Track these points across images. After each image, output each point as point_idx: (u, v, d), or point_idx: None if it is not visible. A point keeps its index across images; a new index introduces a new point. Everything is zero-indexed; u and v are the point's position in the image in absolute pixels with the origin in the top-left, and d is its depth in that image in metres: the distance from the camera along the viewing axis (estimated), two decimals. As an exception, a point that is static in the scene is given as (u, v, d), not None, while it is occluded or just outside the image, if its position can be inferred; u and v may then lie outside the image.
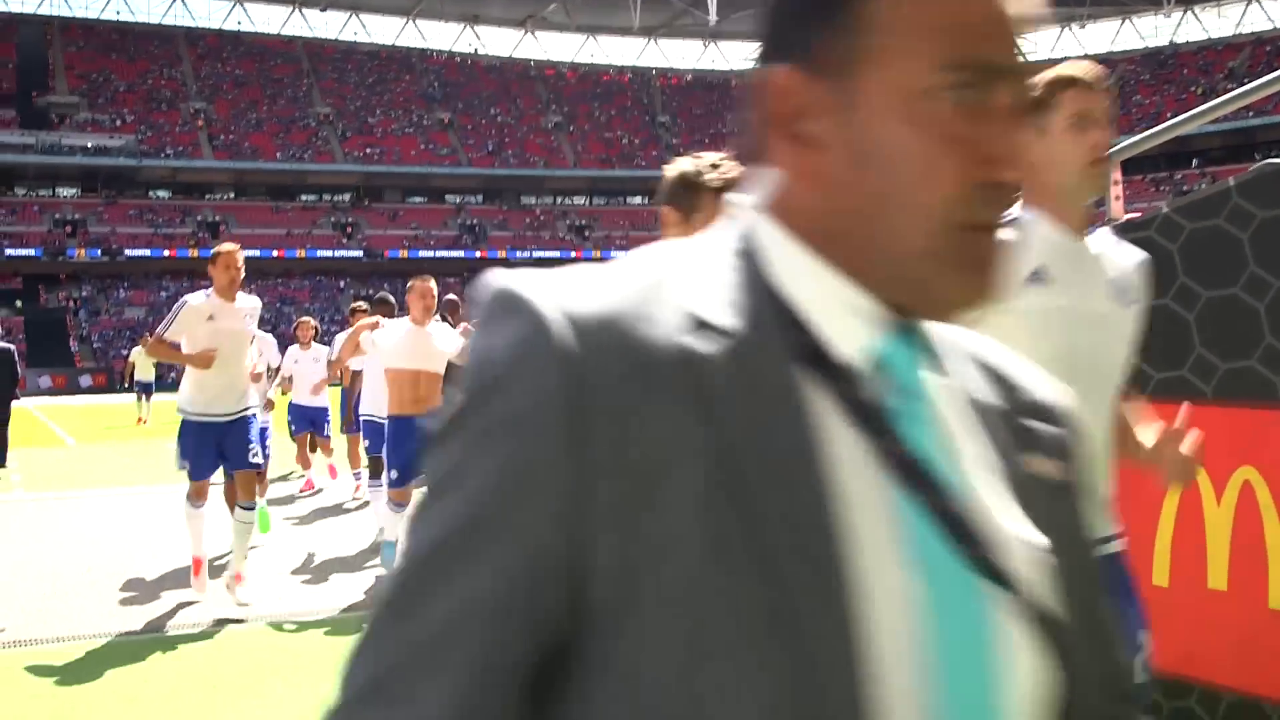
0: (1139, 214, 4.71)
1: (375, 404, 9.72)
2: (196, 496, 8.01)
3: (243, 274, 7.89)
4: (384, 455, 8.60)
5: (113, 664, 6.29)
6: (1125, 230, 4.57)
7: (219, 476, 8.11)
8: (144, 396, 28.00)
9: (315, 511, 12.34)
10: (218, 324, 7.67)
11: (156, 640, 6.90)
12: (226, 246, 8.03)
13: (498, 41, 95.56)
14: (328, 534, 10.77)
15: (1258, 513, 4.11)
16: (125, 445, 21.54)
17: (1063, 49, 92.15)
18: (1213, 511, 4.25)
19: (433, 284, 8.40)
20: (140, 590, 8.40)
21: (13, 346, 18.86)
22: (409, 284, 8.43)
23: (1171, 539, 4.38)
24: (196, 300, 7.82)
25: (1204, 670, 4.31)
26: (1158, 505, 4.43)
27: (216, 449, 7.82)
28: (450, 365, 8.38)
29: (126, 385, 33.10)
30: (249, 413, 7.96)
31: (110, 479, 15.54)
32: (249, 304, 8.10)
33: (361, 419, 10.53)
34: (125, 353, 61.64)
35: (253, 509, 8.03)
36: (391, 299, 10.72)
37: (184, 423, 7.85)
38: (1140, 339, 4.49)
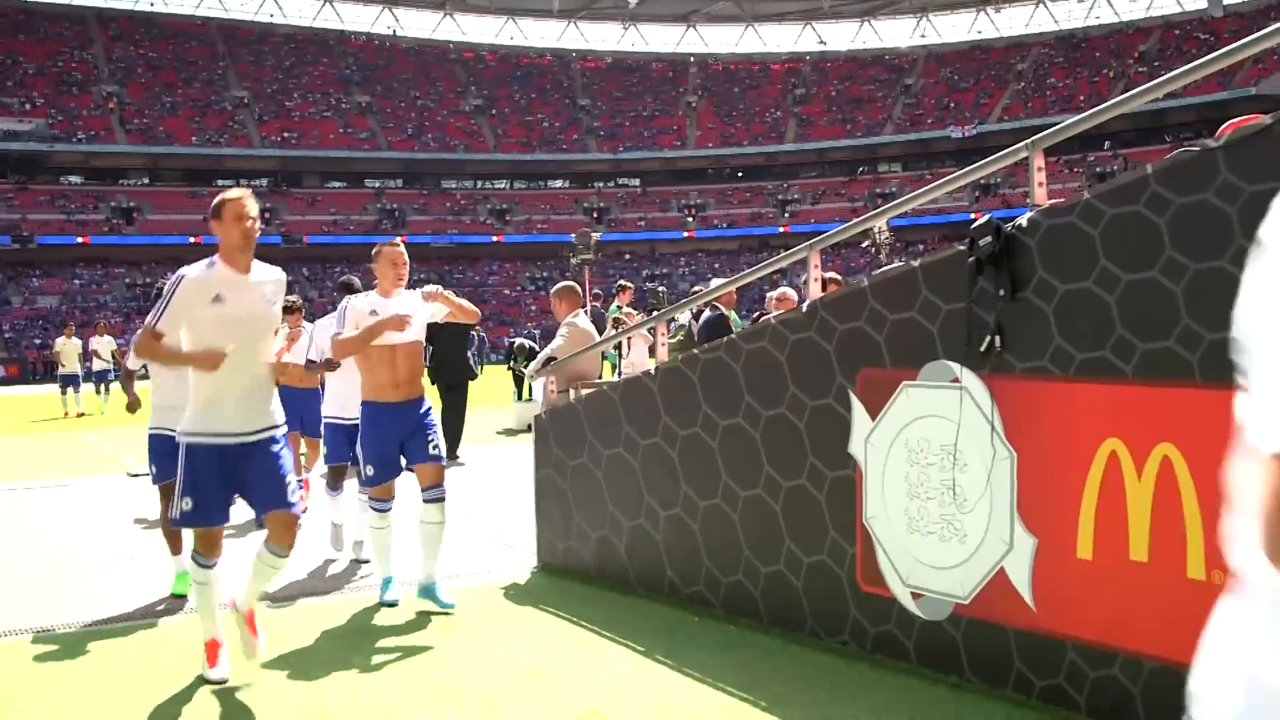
0: (1059, 199, 4.86)
1: (340, 404, 8.93)
2: (206, 551, 5.79)
3: (258, 232, 5.83)
4: (358, 450, 7.43)
5: (43, 659, 6.26)
6: (1048, 215, 4.72)
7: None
8: (69, 389, 26.78)
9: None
10: (227, 306, 5.59)
11: (91, 634, 6.88)
12: (234, 193, 5.85)
13: (417, 23, 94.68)
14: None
15: (1176, 487, 4.28)
16: (50, 438, 21.19)
17: (978, 31, 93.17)
18: (1134, 486, 4.42)
19: (402, 248, 7.32)
20: (71, 583, 8.33)
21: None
22: (375, 250, 7.37)
23: (1095, 512, 4.55)
24: (196, 272, 5.65)
25: (1127, 639, 4.48)
26: (1081, 480, 4.59)
27: (232, 482, 5.70)
28: (433, 326, 7.70)
29: (49, 377, 32.13)
30: (277, 431, 5.82)
31: (35, 472, 15.32)
32: (270, 276, 5.91)
33: (325, 422, 9.29)
34: (39, 342, 60.63)
35: (286, 556, 5.75)
36: (356, 281, 10.28)
37: (185, 447, 5.66)
38: (1066, 320, 4.65)
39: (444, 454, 7.33)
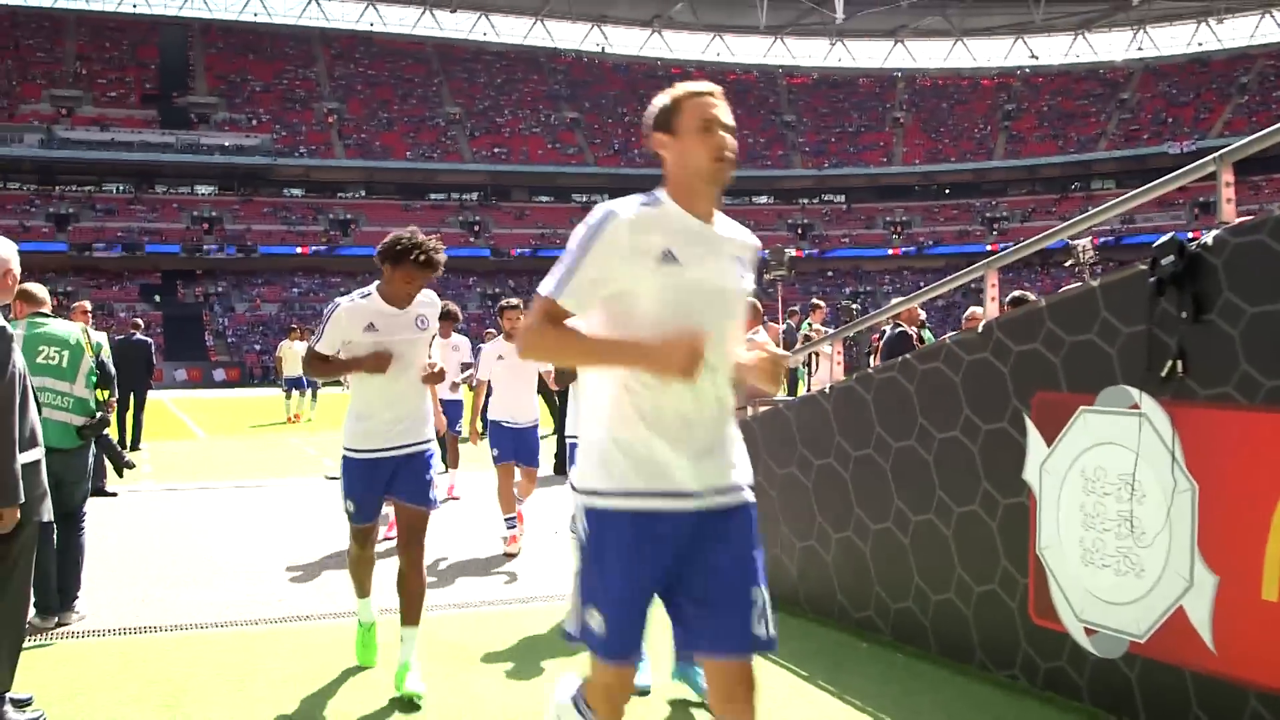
0: (1252, 216, 4.58)
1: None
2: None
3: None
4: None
5: (224, 654, 6.45)
6: (1234, 233, 4.46)
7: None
8: (295, 391, 26.66)
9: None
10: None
11: (270, 631, 7.07)
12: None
13: (624, 40, 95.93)
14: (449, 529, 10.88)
15: (1370, 526, 3.98)
16: (255, 439, 22.04)
17: (1198, 43, 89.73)
18: (1324, 524, 4.13)
19: None
20: (257, 582, 8.59)
21: (150, 339, 19.64)
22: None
23: (1281, 552, 4.26)
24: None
25: (1312, 687, 4.19)
26: (1267, 516, 4.31)
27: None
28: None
29: (266, 381, 32.57)
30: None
31: (238, 472, 15.92)
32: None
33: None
34: (259, 347, 63.26)
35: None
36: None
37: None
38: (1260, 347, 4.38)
39: None
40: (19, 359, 5.13)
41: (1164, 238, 4.73)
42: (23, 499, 4.97)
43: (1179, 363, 4.62)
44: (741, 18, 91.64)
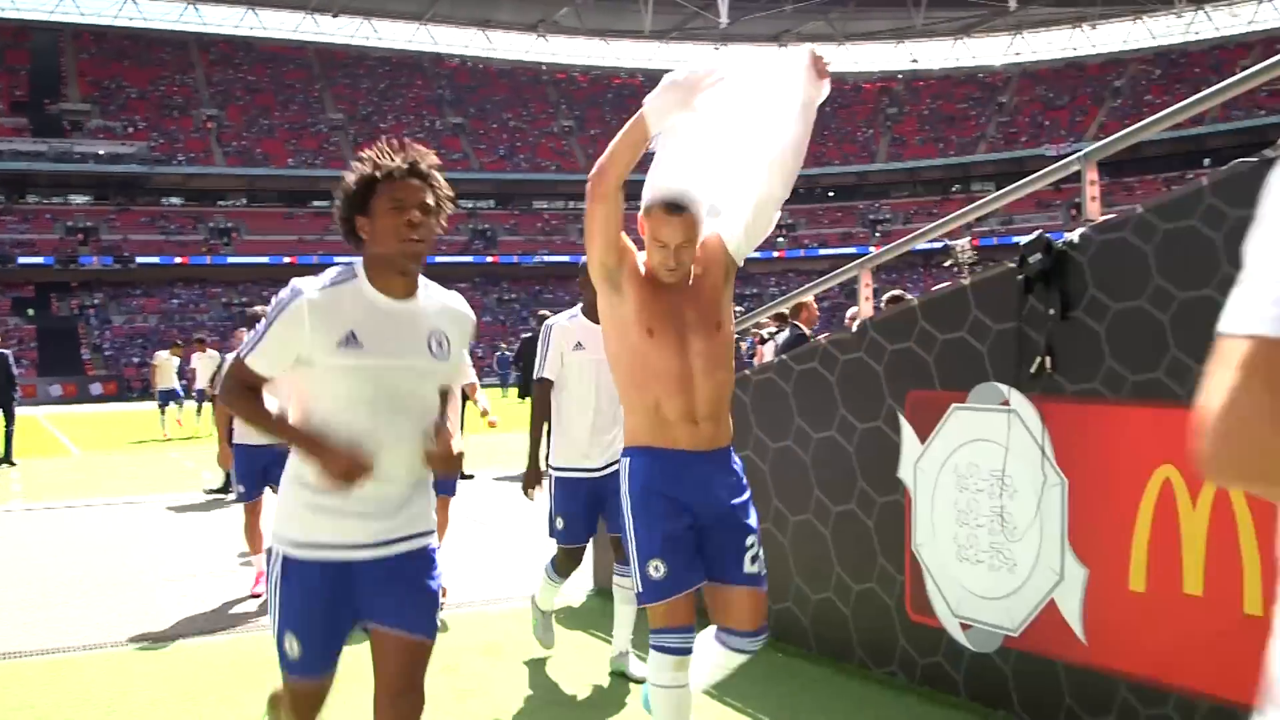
0: (1115, 214, 4.65)
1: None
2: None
3: None
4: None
5: (92, 678, 6.25)
6: (1100, 230, 4.52)
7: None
8: (170, 405, 25.32)
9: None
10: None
11: (140, 652, 6.87)
12: None
13: (509, 45, 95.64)
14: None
15: (1233, 517, 4.05)
16: (133, 455, 21.50)
17: (1073, 48, 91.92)
18: (1188, 515, 4.20)
19: None
20: (128, 602, 8.35)
21: (9, 351, 19.02)
22: None
23: (1148, 543, 4.33)
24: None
25: (1181, 677, 4.26)
26: (1134, 509, 4.37)
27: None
28: None
29: (146, 395, 31.00)
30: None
31: (113, 489, 15.51)
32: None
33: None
34: (136, 360, 61.88)
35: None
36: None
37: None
38: (1110, 340, 4.44)
39: None
40: None
41: (1031, 236, 4.79)
42: None
43: (1047, 359, 4.67)
44: (626, 22, 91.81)
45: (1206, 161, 73.81)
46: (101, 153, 73.56)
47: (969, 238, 23.58)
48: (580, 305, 5.79)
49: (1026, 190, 5.26)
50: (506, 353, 41.26)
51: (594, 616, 7.33)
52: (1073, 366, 4.62)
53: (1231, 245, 4.07)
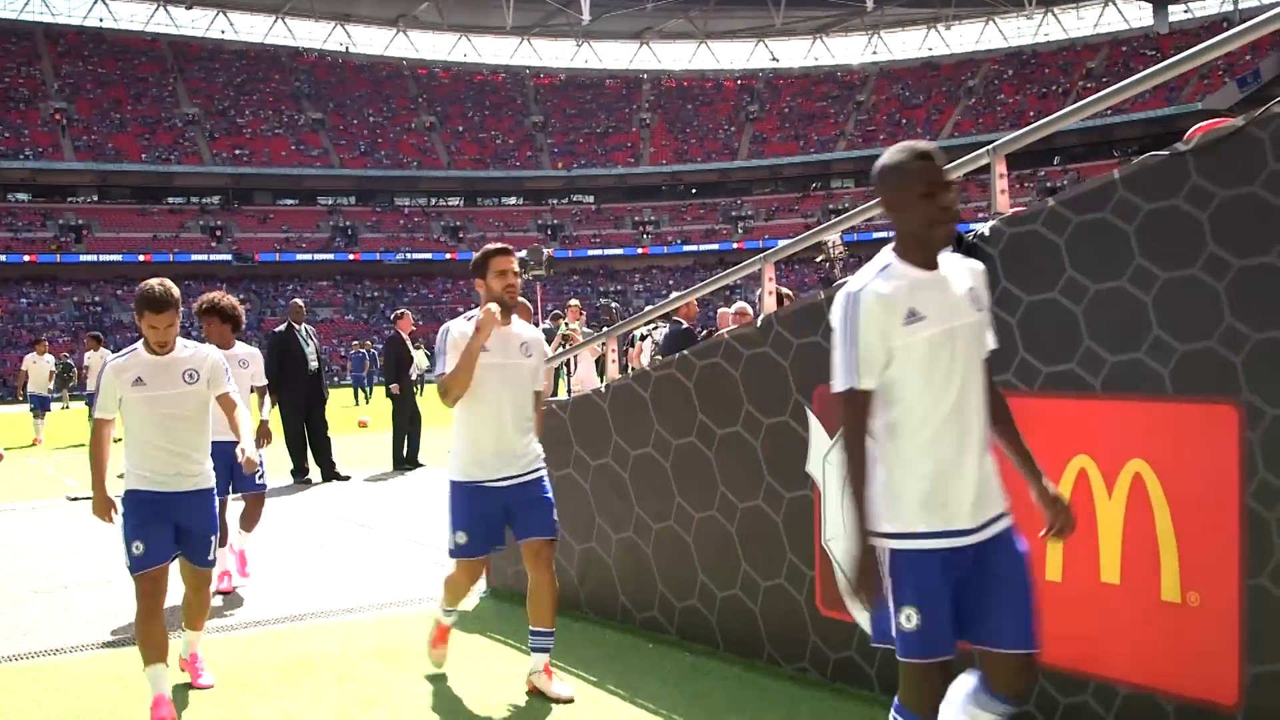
0: (1021, 208, 4.67)
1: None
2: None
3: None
4: None
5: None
6: (1010, 223, 4.54)
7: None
8: (40, 412, 24.31)
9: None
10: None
11: (13, 669, 6.57)
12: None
13: (369, 40, 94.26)
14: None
15: (1149, 505, 4.10)
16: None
17: (929, 48, 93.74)
18: (1104, 505, 4.23)
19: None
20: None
21: None
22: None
23: (1063, 534, 4.34)
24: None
25: (1099, 665, 4.29)
26: (1049, 500, 4.38)
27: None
28: None
29: (19, 398, 29.15)
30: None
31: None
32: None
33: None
34: (3, 363, 59.71)
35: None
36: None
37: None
38: (1026, 333, 4.47)
39: None
40: None
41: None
42: None
43: (959, 351, 4.67)
44: (487, 18, 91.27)
45: (1056, 159, 75.90)
46: (-58, 147, 70.81)
47: (839, 233, 23.86)
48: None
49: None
50: (363, 352, 40.83)
51: (490, 619, 7.19)
52: (985, 359, 4.63)
53: (1144, 237, 4.11)
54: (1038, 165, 75.32)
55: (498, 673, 6.01)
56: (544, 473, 5.67)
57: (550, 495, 5.63)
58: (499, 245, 5.62)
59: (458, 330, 5.50)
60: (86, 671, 6.37)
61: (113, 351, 20.41)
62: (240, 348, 8.46)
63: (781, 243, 6.25)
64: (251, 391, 8.43)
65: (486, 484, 5.53)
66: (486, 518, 5.56)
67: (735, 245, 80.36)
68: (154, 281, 5.54)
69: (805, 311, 5.48)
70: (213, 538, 5.73)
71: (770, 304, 5.87)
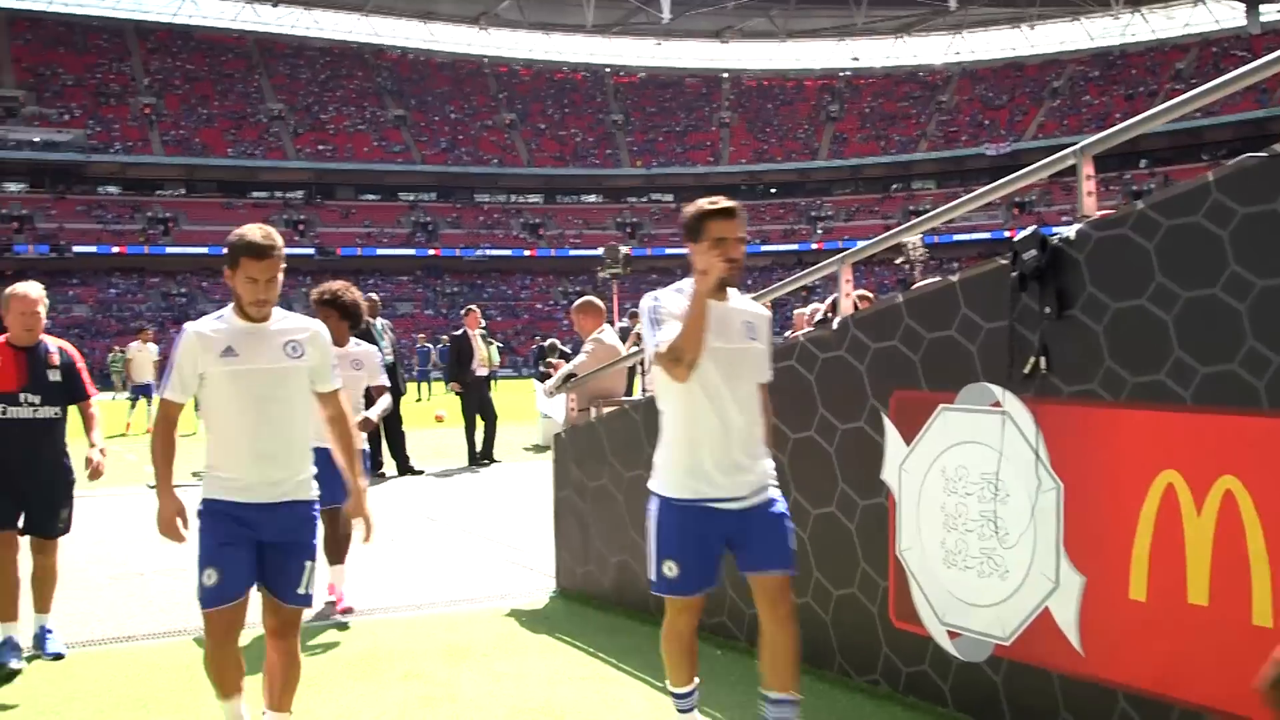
0: (1109, 210, 4.51)
1: None
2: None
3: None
4: None
5: (38, 682, 5.98)
6: (1097, 227, 4.38)
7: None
8: (138, 400, 23.88)
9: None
10: None
11: (86, 655, 6.60)
12: None
13: (452, 38, 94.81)
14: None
15: (1240, 524, 3.92)
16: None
17: (1012, 48, 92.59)
18: (1193, 522, 4.06)
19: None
20: (77, 602, 8.03)
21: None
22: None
23: (1149, 551, 4.18)
24: None
25: (1184, 690, 4.12)
26: (1134, 515, 4.23)
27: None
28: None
29: (124, 385, 28.88)
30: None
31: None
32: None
33: None
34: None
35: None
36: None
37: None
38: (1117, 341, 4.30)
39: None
40: None
41: (1026, 231, 4.64)
42: None
43: (1042, 359, 4.52)
44: (568, 16, 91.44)
45: (1143, 162, 74.64)
46: (37, 140, 72.30)
47: (920, 235, 23.56)
48: None
49: (1023, 183, 5.11)
50: (426, 346, 41.73)
51: (558, 619, 7.13)
52: (1069, 367, 4.47)
53: (1239, 243, 3.93)
54: (1124, 168, 74.09)
55: (564, 674, 5.94)
56: (777, 491, 4.59)
57: (788, 518, 4.57)
58: (720, 204, 4.39)
59: (669, 297, 4.46)
60: (158, 659, 6.40)
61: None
62: (354, 346, 7.52)
63: (860, 244, 6.10)
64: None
65: (707, 504, 4.43)
66: (704, 543, 4.49)
67: (814, 246, 79.93)
68: (254, 225, 4.72)
69: (882, 315, 5.35)
70: (309, 564, 4.61)
71: (847, 306, 5.74)
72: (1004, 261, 4.70)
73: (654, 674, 5.81)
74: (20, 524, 6.47)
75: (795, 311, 13.43)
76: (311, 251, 76.01)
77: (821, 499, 5.65)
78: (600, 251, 22.49)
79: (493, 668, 6.09)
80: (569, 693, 5.63)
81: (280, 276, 4.58)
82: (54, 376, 6.55)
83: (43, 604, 6.62)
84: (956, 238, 73.78)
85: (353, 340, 7.52)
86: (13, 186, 73.75)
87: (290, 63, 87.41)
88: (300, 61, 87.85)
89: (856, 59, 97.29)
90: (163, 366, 5.38)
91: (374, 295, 15.96)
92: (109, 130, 75.80)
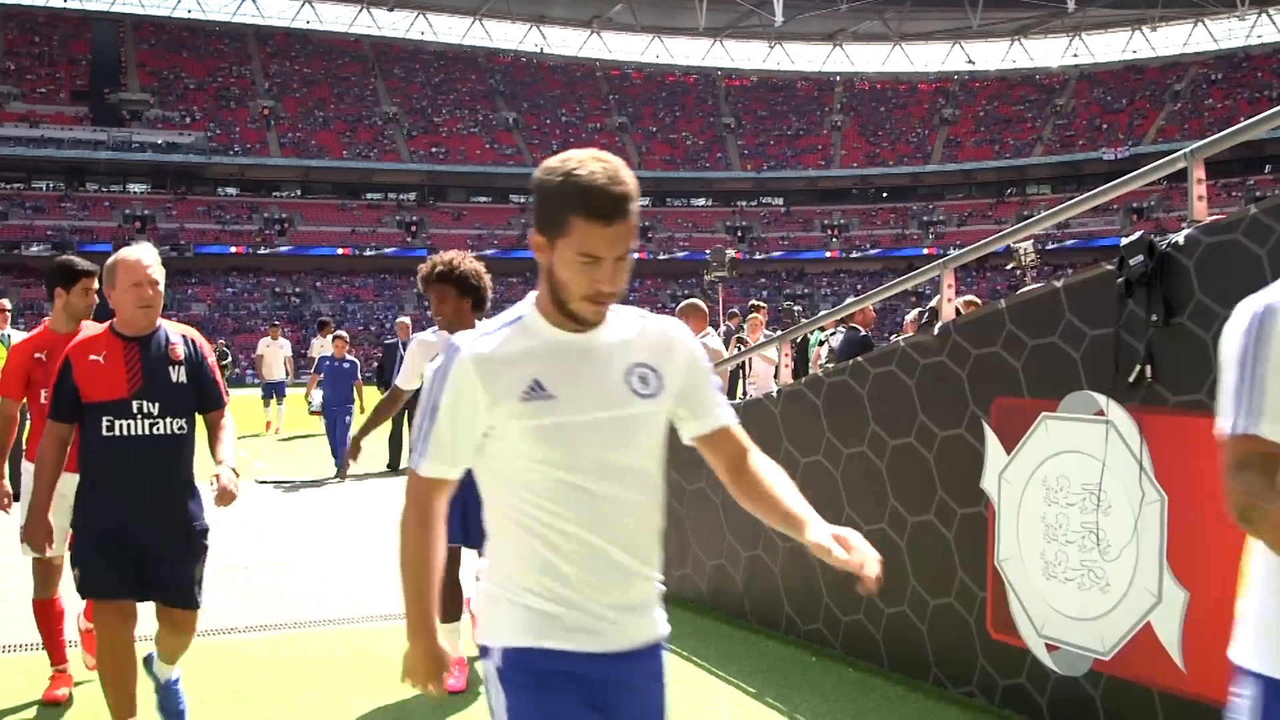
0: (1222, 216, 4.38)
1: None
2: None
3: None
4: None
5: (220, 662, 6.10)
6: (1207, 232, 4.26)
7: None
8: (271, 398, 22.95)
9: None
10: None
11: (267, 639, 6.72)
12: None
13: (563, 41, 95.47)
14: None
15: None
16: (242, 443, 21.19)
17: (1133, 50, 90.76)
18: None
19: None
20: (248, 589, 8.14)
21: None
22: None
23: (1256, 566, 4.04)
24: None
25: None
26: (1242, 530, 4.08)
27: None
28: None
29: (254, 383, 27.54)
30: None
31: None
32: None
33: None
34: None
35: None
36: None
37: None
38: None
39: None
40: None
41: (1133, 237, 4.53)
42: None
43: (1148, 368, 4.41)
44: (680, 20, 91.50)
45: (1268, 168, 72.75)
46: (159, 142, 74.21)
47: (1032, 239, 23.19)
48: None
49: (1130, 187, 4.98)
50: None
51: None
52: (1176, 376, 4.35)
53: (1356, 250, 3.80)
54: (1247, 173, 72.23)
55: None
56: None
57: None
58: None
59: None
60: (257, 652, 6.50)
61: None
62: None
63: (970, 248, 6.00)
64: None
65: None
66: None
67: (926, 251, 79.09)
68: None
69: (984, 321, 5.26)
70: None
71: (949, 312, 5.65)
72: (1110, 267, 4.59)
73: (747, 680, 5.78)
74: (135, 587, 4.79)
75: (907, 318, 13.25)
76: (424, 252, 76.94)
77: (919, 507, 5.56)
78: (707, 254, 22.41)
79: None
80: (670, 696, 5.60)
81: None
82: (178, 376, 4.80)
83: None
84: (1071, 244, 72.51)
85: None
86: (136, 188, 75.75)
87: (405, 66, 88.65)
88: (415, 65, 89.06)
89: (971, 61, 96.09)
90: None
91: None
92: (228, 133, 77.51)
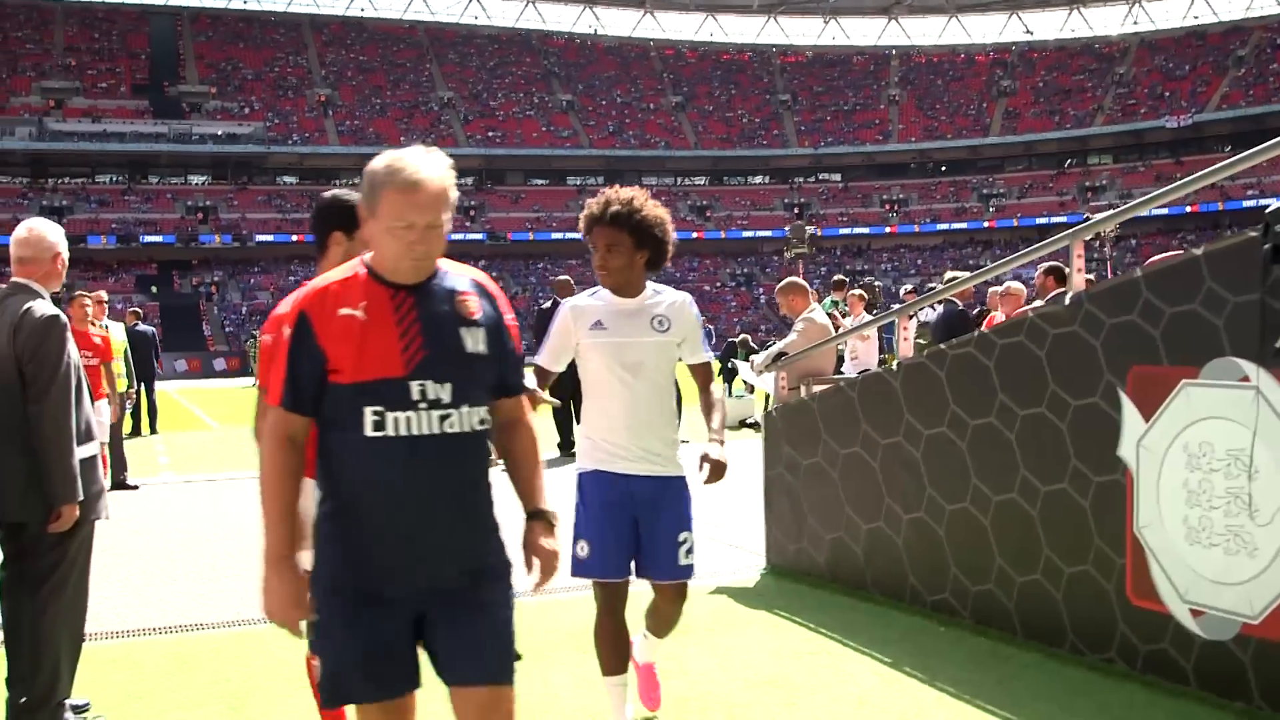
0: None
1: None
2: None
3: None
4: None
5: (281, 650, 6.23)
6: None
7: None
8: None
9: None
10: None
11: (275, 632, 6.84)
12: None
13: (617, 22, 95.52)
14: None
15: None
16: (235, 429, 21.68)
17: (1194, 16, 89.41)
18: None
19: None
20: (202, 585, 8.21)
21: (153, 329, 19.58)
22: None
23: None
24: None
25: None
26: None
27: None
28: None
29: None
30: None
31: (251, 463, 15.63)
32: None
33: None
34: (256, 335, 62.98)
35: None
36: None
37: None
38: None
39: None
40: (73, 349, 4.93)
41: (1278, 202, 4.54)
42: (82, 495, 4.79)
43: (1297, 333, 4.43)
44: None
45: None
46: (219, 133, 75.08)
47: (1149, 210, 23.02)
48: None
49: (1268, 155, 4.97)
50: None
51: (773, 596, 7.19)
52: (1326, 341, 4.37)
53: None
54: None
55: (789, 649, 5.99)
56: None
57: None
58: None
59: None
60: (295, 641, 6.55)
61: None
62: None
63: (1035, 223, 6.00)
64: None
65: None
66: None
67: (986, 224, 78.61)
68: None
69: (1119, 290, 5.28)
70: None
71: (1080, 282, 5.68)
72: (1255, 234, 4.61)
73: (880, 649, 5.85)
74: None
75: (990, 291, 13.22)
76: (482, 237, 77.36)
77: (1052, 476, 5.60)
78: (768, 233, 22.42)
79: (716, 642, 6.18)
80: (798, 667, 5.69)
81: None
82: (475, 344, 3.15)
83: None
84: (1155, 211, 71.62)
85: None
86: (197, 179, 76.70)
87: (460, 51, 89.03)
88: (469, 50, 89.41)
89: (1029, 32, 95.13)
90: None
91: (567, 277, 14.81)
92: (287, 122, 78.26)
